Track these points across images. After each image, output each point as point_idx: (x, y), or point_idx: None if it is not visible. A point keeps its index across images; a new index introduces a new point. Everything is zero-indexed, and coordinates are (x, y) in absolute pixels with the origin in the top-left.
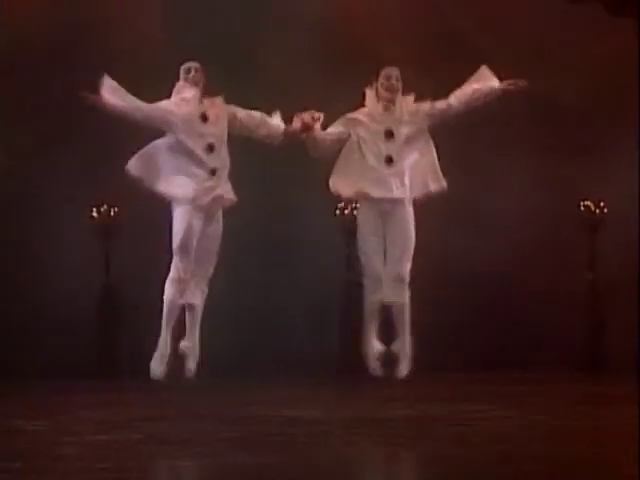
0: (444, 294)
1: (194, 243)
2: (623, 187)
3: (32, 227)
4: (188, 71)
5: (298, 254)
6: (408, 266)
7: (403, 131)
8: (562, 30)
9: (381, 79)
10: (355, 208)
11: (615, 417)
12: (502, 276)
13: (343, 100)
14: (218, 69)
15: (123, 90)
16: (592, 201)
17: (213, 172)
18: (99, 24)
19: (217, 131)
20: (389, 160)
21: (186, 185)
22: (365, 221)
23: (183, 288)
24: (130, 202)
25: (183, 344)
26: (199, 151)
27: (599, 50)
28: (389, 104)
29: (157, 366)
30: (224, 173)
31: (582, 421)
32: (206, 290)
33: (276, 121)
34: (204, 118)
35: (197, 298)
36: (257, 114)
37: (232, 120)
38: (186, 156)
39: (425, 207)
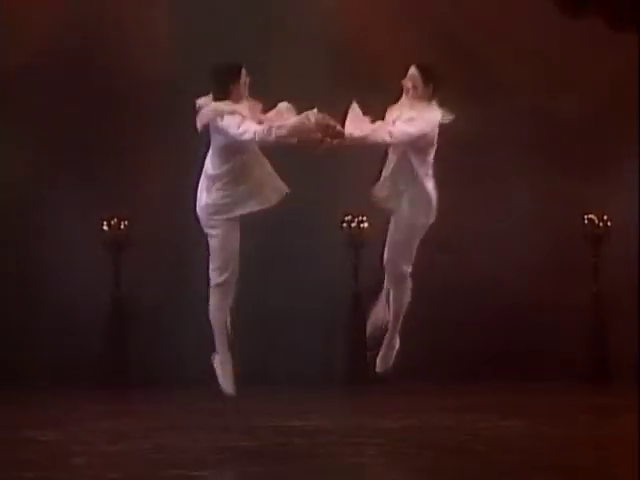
0: (451, 303)
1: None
2: (626, 201)
3: (44, 240)
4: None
5: (305, 266)
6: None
7: None
8: (565, 46)
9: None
10: (361, 222)
11: (618, 427)
12: (508, 287)
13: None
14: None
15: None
16: (596, 215)
17: None
18: (110, 41)
19: None
20: None
21: None
22: None
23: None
24: (141, 216)
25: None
26: None
27: (601, 66)
28: None
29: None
30: None
31: (585, 431)
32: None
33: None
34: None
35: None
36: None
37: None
38: None
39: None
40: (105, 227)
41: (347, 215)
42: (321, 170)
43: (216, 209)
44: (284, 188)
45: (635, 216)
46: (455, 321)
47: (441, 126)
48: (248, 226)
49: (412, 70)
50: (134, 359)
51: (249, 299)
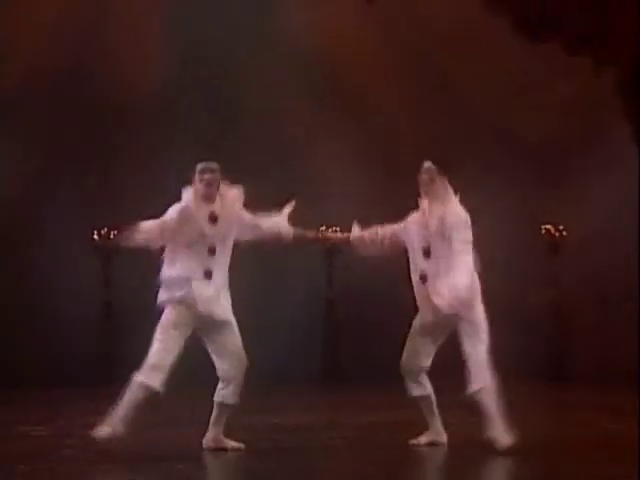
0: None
1: None
2: (580, 212)
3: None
4: (203, 172)
5: (283, 272)
6: None
7: None
8: (524, 68)
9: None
10: (334, 232)
11: (578, 422)
12: None
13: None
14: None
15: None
16: (552, 225)
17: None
18: (105, 66)
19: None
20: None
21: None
22: None
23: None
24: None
25: None
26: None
27: (557, 87)
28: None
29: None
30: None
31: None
32: None
33: (283, 224)
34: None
35: None
36: (266, 221)
37: (240, 223)
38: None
39: None
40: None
41: (322, 226)
42: (298, 183)
43: None
44: None
45: (589, 226)
46: None
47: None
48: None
49: (428, 164)
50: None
51: (238, 311)
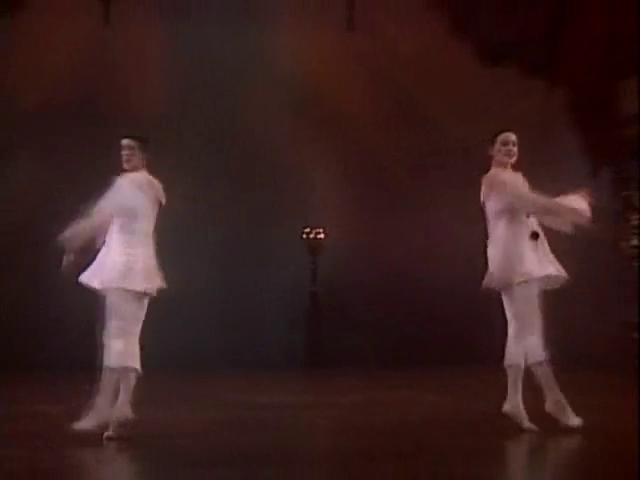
0: (393, 306)
1: None
2: None
3: None
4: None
5: (272, 268)
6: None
7: None
8: (483, 89)
9: (498, 145)
10: (318, 233)
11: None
12: (441, 299)
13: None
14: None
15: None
16: None
17: None
18: (111, 89)
19: None
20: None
21: None
22: None
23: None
24: None
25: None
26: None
27: (513, 104)
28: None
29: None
30: None
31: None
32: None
33: None
34: None
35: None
36: None
37: None
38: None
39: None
40: None
41: (306, 228)
42: (285, 191)
43: None
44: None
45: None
46: (399, 317)
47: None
48: (228, 238)
49: (512, 136)
50: None
51: (227, 297)
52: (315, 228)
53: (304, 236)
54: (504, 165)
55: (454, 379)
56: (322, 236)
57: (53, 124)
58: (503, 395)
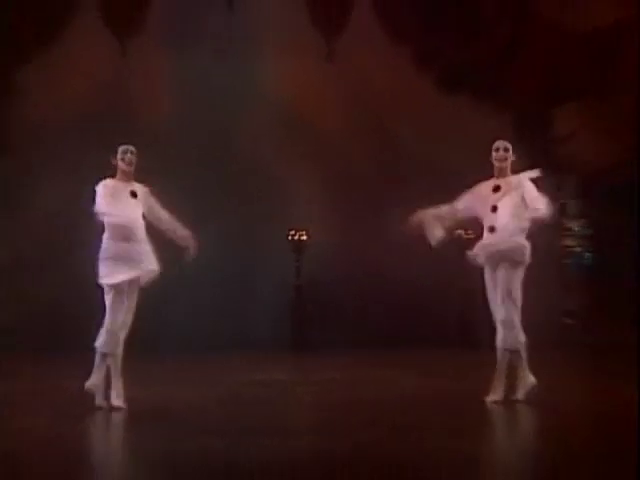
0: (375, 295)
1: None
2: None
3: None
4: (125, 152)
5: (261, 265)
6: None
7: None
8: (441, 113)
9: (493, 152)
10: (301, 235)
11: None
12: (412, 288)
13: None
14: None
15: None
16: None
17: None
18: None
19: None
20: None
21: None
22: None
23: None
24: None
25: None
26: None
27: (468, 127)
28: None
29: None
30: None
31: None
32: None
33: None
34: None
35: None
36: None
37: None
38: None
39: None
40: None
41: (291, 230)
42: (273, 199)
43: None
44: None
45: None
46: (373, 305)
47: None
48: (221, 237)
49: (501, 144)
50: None
51: (224, 289)
52: (299, 230)
53: (289, 237)
54: (497, 168)
55: (421, 359)
56: (305, 237)
57: (77, 141)
58: (465, 374)
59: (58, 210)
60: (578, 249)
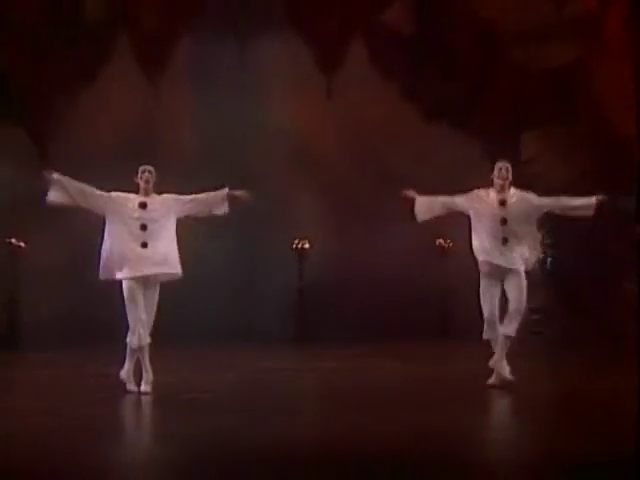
0: (362, 293)
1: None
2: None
3: None
4: (143, 172)
5: (269, 270)
6: None
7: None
8: (429, 141)
9: (495, 170)
10: (304, 243)
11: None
12: (390, 285)
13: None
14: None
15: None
16: (443, 239)
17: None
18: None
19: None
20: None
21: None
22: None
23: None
24: None
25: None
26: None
27: (443, 151)
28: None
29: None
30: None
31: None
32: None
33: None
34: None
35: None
36: (201, 195)
37: (181, 206)
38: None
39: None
40: None
41: (295, 239)
42: (279, 212)
43: None
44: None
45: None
46: (367, 304)
47: None
48: (234, 245)
49: (503, 164)
50: None
51: (236, 290)
52: (302, 239)
53: (293, 245)
54: (499, 185)
55: (408, 349)
56: (307, 245)
57: (113, 163)
58: (445, 362)
59: (95, 222)
60: (542, 255)
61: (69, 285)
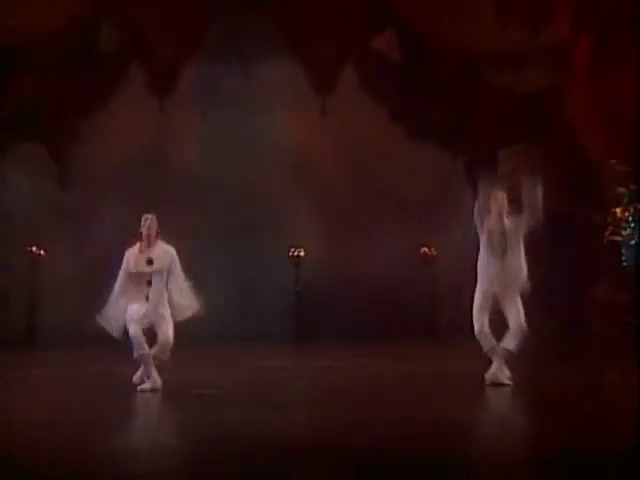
0: (354, 299)
1: None
2: (446, 238)
3: None
4: (145, 220)
5: (267, 275)
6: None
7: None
8: (415, 159)
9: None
10: (299, 251)
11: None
12: (378, 289)
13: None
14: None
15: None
16: (427, 246)
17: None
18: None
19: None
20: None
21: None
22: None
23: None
24: None
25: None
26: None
27: (429, 166)
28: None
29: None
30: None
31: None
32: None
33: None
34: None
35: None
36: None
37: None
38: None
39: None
40: None
41: (292, 247)
42: (277, 224)
43: None
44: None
45: (453, 247)
46: (358, 305)
47: None
48: (237, 253)
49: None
50: None
51: (239, 293)
52: (298, 248)
53: (290, 253)
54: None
55: (398, 349)
56: (303, 253)
57: (125, 180)
58: (432, 360)
59: (110, 235)
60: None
61: (86, 291)
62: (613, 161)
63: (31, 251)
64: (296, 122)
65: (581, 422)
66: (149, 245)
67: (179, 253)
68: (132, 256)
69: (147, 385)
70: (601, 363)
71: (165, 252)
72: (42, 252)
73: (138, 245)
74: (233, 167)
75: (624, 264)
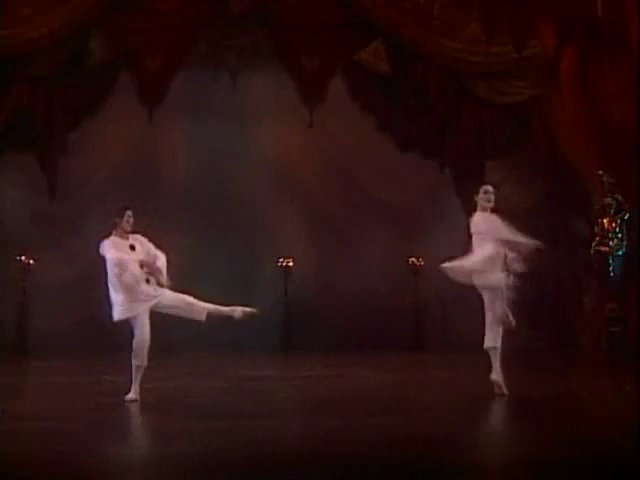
0: (341, 309)
1: None
2: (432, 250)
3: None
4: (129, 216)
5: (257, 286)
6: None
7: None
8: (400, 167)
9: (481, 194)
10: (288, 262)
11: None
12: (366, 299)
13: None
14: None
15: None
16: (415, 258)
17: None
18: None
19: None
20: None
21: None
22: None
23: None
24: None
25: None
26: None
27: (414, 176)
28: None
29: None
30: None
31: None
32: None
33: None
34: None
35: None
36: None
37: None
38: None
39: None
40: None
41: (280, 258)
42: (266, 234)
43: None
44: None
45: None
46: (344, 315)
47: None
48: (225, 263)
49: (490, 187)
50: None
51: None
52: (287, 258)
53: (279, 264)
54: (484, 209)
55: (386, 360)
56: (291, 264)
57: (114, 188)
58: (416, 370)
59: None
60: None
61: (75, 300)
62: (600, 172)
63: (20, 260)
64: (284, 133)
65: (568, 431)
66: (126, 237)
67: (168, 264)
68: (114, 243)
69: (133, 395)
70: (589, 373)
71: (139, 239)
72: (31, 261)
73: (113, 237)
74: (221, 178)
75: (611, 275)
